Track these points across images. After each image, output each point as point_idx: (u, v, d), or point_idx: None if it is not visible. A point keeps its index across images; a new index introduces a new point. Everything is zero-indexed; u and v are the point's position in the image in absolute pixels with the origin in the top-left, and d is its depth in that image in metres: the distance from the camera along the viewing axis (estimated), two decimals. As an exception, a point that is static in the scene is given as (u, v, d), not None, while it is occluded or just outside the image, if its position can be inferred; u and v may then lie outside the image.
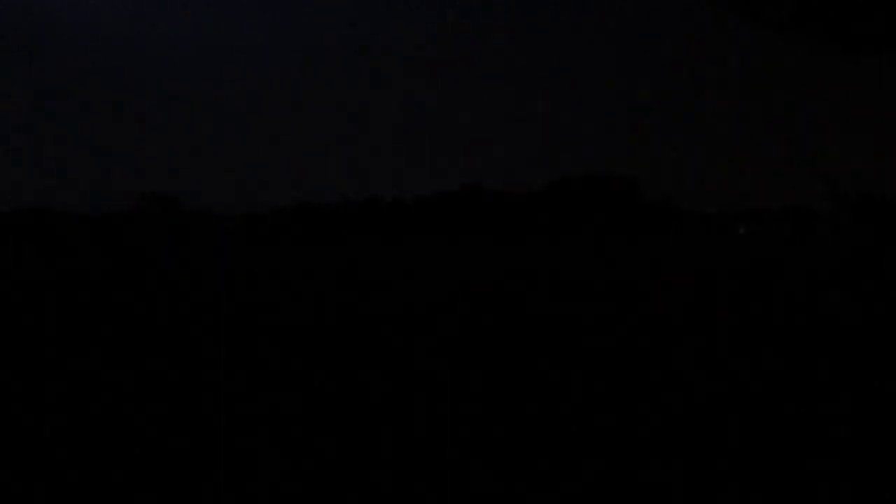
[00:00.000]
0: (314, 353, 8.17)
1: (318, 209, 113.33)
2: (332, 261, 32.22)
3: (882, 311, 11.36)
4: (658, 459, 4.40)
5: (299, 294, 15.79)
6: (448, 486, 4.02)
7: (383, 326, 10.37)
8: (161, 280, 20.74)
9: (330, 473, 4.24)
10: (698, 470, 4.22)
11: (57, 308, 13.18)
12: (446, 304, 13.35)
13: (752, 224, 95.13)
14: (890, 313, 11.13)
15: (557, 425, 5.17)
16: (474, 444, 4.76)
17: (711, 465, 4.30)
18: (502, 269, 24.67)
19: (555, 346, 8.49)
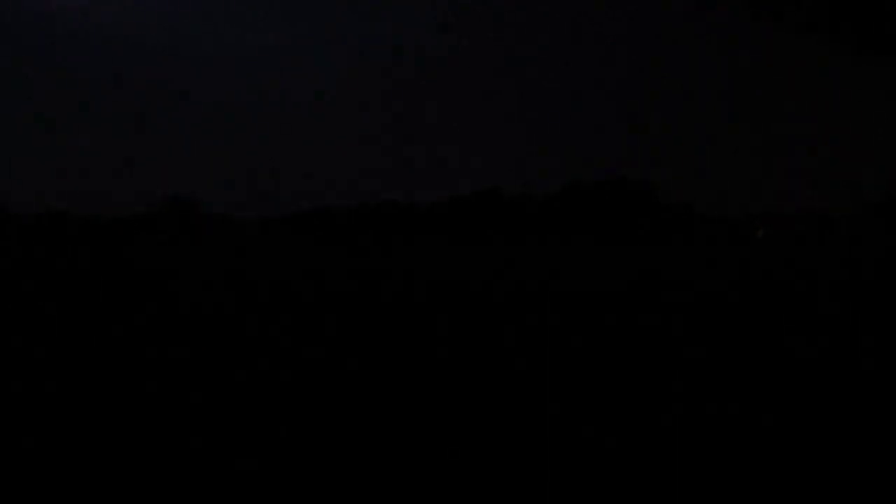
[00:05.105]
0: (326, 352, 8.27)
1: (333, 213, 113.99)
2: (347, 263, 32.46)
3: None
4: (661, 468, 4.44)
5: (314, 295, 15.94)
6: (449, 486, 4.07)
7: (393, 330, 10.47)
8: (178, 283, 21.02)
9: (335, 469, 4.32)
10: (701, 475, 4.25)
11: (76, 310, 13.42)
12: (457, 308, 13.41)
13: (771, 227, 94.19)
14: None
15: (562, 429, 5.21)
16: (473, 444, 4.80)
17: (715, 469, 4.33)
18: (515, 273, 24.68)
19: (568, 352, 8.53)
